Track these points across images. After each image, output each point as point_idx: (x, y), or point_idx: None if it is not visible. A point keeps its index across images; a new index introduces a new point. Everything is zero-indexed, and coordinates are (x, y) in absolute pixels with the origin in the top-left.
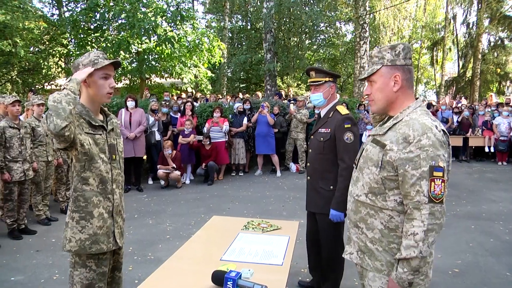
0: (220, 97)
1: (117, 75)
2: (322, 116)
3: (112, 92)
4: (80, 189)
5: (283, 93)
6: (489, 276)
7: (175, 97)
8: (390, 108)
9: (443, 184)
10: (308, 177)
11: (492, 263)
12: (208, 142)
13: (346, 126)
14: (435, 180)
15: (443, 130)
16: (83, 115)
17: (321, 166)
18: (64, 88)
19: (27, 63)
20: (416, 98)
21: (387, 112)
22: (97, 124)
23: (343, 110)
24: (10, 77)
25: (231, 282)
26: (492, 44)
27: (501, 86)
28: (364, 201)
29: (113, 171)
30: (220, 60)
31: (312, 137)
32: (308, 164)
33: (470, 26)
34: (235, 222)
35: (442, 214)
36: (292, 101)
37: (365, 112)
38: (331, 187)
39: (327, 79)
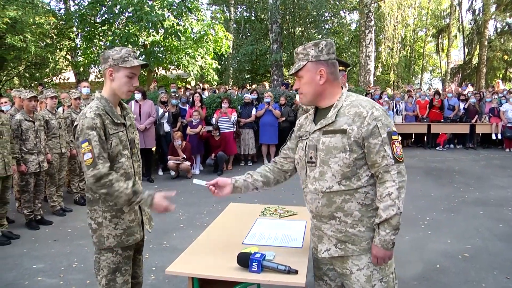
0: (228, 88)
1: None
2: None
3: (133, 91)
4: None
5: (290, 83)
6: (498, 260)
7: (182, 89)
8: (319, 99)
9: (400, 145)
10: None
11: (501, 248)
12: (218, 133)
13: None
14: (395, 143)
15: None
16: (107, 111)
17: None
18: (139, 199)
19: (34, 58)
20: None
21: (316, 103)
22: (119, 121)
23: None
24: (17, 71)
25: (256, 263)
26: (499, 30)
27: (508, 72)
28: (338, 189)
29: (134, 165)
30: (227, 50)
31: None
32: None
33: (476, 12)
34: (252, 208)
35: (405, 172)
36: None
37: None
38: None
39: (339, 68)
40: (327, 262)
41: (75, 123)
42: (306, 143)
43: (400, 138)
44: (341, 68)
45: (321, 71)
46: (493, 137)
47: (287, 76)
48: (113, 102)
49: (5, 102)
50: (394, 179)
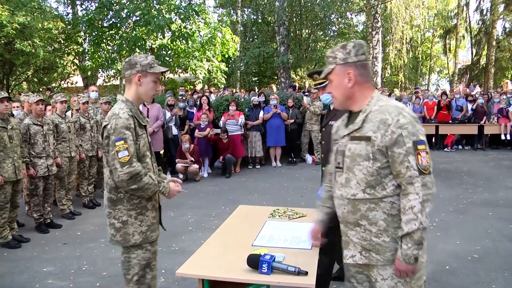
0: (235, 91)
1: None
2: (331, 108)
3: (155, 95)
4: None
5: (297, 85)
6: (508, 261)
7: (189, 92)
8: (350, 103)
9: (427, 155)
10: (323, 168)
11: (511, 249)
12: (226, 136)
13: None
14: (420, 153)
15: None
16: (133, 113)
17: None
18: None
19: (43, 62)
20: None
21: (349, 107)
22: (143, 124)
23: None
24: (26, 76)
25: (266, 265)
26: (507, 30)
27: None
28: (363, 197)
29: (153, 165)
30: (235, 53)
31: (324, 129)
32: (323, 155)
33: (484, 12)
34: (261, 210)
35: (433, 184)
36: (306, 93)
37: None
38: None
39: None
40: (355, 265)
41: (105, 123)
42: (337, 147)
43: (427, 148)
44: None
45: (349, 73)
46: (502, 137)
47: (295, 79)
48: (137, 106)
49: (17, 107)
50: (417, 191)
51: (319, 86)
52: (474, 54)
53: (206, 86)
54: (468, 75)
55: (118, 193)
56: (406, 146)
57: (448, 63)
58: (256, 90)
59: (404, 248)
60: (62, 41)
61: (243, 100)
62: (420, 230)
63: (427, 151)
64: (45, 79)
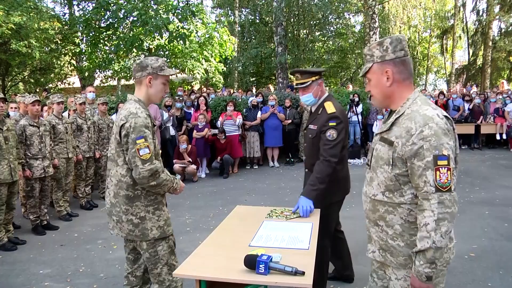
0: (233, 91)
1: (129, 72)
2: (313, 111)
3: (164, 96)
4: None
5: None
6: (504, 260)
7: (187, 93)
8: (390, 101)
9: (449, 172)
10: (306, 170)
11: (507, 247)
12: (223, 137)
13: (330, 124)
14: (440, 169)
15: (446, 116)
16: (147, 114)
17: (314, 160)
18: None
19: (39, 63)
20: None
21: (388, 106)
22: (155, 125)
23: (330, 107)
24: (23, 77)
25: (263, 265)
26: (503, 31)
27: None
28: (381, 199)
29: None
30: (232, 54)
31: (305, 131)
32: (305, 157)
33: (480, 13)
34: (258, 210)
35: (453, 202)
36: None
37: None
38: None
39: (313, 78)
40: (376, 260)
41: (122, 122)
42: (372, 144)
43: (452, 164)
44: (316, 77)
45: (387, 72)
46: (498, 137)
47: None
48: (147, 106)
49: (15, 108)
50: (433, 209)
51: (300, 86)
52: (470, 54)
53: (203, 86)
54: (465, 75)
55: (135, 190)
56: (425, 160)
57: (445, 63)
58: (254, 90)
59: (417, 264)
60: (59, 42)
61: (240, 100)
62: (432, 249)
63: (450, 167)
64: (42, 79)
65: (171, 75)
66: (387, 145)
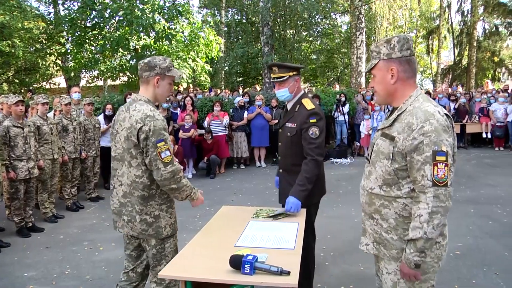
0: (219, 91)
1: (115, 73)
2: (289, 109)
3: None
4: None
5: None
6: (489, 257)
7: (173, 93)
8: (392, 99)
9: (446, 168)
10: (280, 170)
11: (492, 245)
12: (210, 137)
13: (311, 121)
14: (438, 164)
15: (446, 114)
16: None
17: (292, 160)
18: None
19: (24, 63)
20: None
21: (390, 103)
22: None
23: (308, 104)
24: (7, 77)
25: (249, 265)
26: (487, 31)
27: (497, 72)
28: (378, 193)
29: None
30: (218, 54)
31: (280, 130)
32: (280, 157)
33: (465, 14)
34: (244, 210)
35: (448, 197)
36: None
37: (364, 101)
38: None
39: (290, 73)
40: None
41: (139, 125)
42: (373, 139)
43: (450, 160)
44: (294, 73)
45: (392, 69)
46: (483, 136)
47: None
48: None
49: (1, 109)
50: (428, 202)
51: (276, 80)
52: (456, 54)
53: (191, 86)
54: (450, 75)
55: (150, 190)
56: (424, 155)
57: (431, 63)
58: (241, 90)
59: (407, 252)
60: (44, 41)
61: (227, 100)
62: (423, 240)
63: (448, 163)
64: (27, 80)
65: (179, 76)
66: (388, 140)
